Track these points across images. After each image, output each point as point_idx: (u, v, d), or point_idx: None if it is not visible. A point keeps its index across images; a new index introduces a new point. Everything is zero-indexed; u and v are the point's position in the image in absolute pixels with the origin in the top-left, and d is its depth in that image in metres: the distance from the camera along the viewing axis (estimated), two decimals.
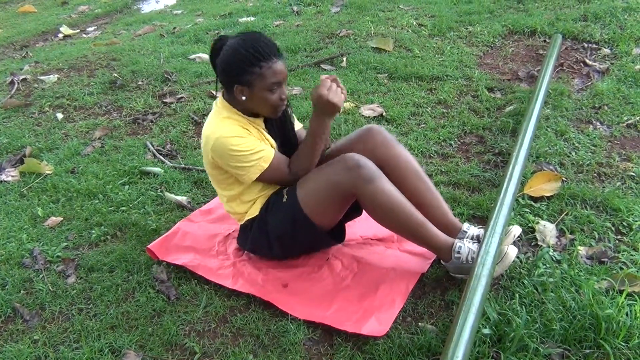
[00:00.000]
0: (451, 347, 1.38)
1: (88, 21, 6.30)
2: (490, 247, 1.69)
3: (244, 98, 1.77)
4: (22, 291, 1.99)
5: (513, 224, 1.96)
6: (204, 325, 1.77)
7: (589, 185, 2.25)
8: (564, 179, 2.29)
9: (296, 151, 1.87)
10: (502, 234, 1.77)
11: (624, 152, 2.47)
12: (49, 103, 3.62)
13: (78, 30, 5.85)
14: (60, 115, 3.44)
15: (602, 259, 1.87)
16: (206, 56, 4.13)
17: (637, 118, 2.71)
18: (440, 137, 2.73)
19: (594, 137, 2.59)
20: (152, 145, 2.93)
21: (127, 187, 2.59)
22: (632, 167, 2.34)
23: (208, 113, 2.16)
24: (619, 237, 1.98)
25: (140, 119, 3.29)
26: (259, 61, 1.70)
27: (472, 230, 1.88)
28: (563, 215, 2.09)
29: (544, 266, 1.82)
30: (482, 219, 2.12)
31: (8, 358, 1.70)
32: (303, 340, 1.68)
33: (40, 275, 2.06)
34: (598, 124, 2.72)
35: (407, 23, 4.32)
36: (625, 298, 1.62)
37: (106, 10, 6.64)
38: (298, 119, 3.05)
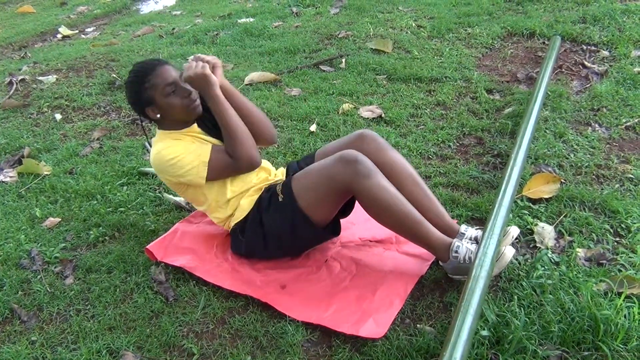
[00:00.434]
0: (449, 348, 1.38)
1: (87, 22, 6.30)
2: (488, 248, 1.69)
3: (158, 115, 1.89)
4: (19, 292, 1.99)
5: (511, 225, 1.96)
6: (202, 326, 1.77)
7: (588, 187, 2.25)
8: (562, 180, 2.30)
9: None
10: (501, 236, 1.77)
11: (622, 154, 2.47)
12: (47, 104, 3.62)
13: (77, 31, 5.85)
14: (58, 116, 3.44)
15: (601, 261, 1.87)
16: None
17: (636, 120, 2.71)
18: (439, 139, 2.73)
19: (593, 139, 2.59)
20: (151, 146, 2.92)
21: (125, 187, 2.58)
22: (631, 169, 2.35)
23: None
24: (617, 239, 1.98)
25: (138, 119, 3.29)
26: (144, 77, 1.83)
27: (470, 231, 1.88)
28: (562, 217, 2.10)
29: (543, 268, 1.82)
30: (481, 221, 2.12)
31: (6, 359, 1.69)
32: (301, 341, 1.67)
33: (38, 276, 2.05)
34: (597, 126, 2.72)
35: (406, 24, 4.33)
36: (623, 300, 1.62)
37: (105, 10, 6.64)
38: (298, 120, 3.07)
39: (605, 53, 3.49)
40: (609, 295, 1.69)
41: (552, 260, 1.88)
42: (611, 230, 2.02)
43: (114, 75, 3.94)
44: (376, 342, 1.63)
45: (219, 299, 1.86)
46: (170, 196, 2.44)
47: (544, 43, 3.75)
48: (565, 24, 3.87)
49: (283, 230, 1.87)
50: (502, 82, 3.30)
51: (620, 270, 1.83)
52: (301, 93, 3.40)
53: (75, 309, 1.88)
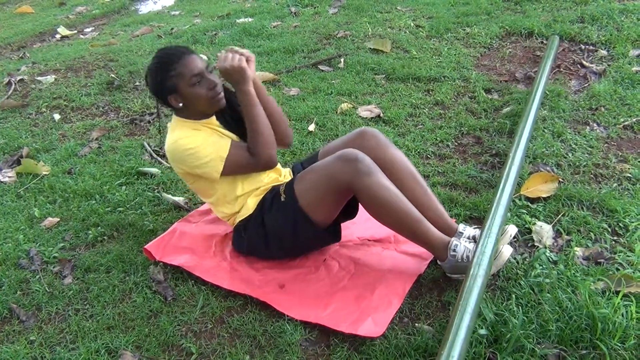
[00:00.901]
0: (447, 347, 1.38)
1: (86, 22, 6.30)
2: (486, 247, 1.69)
3: (180, 104, 1.85)
4: (18, 292, 1.99)
5: (509, 224, 1.96)
6: (200, 325, 1.77)
7: (586, 187, 2.26)
8: (560, 180, 2.30)
9: None
10: (499, 235, 1.77)
11: (620, 154, 2.48)
12: (46, 104, 3.62)
13: (75, 31, 5.85)
14: (57, 116, 3.44)
15: (599, 260, 1.88)
16: (205, 57, 4.12)
17: (634, 119, 2.71)
18: (438, 138, 2.73)
19: (591, 139, 2.59)
20: (150, 146, 2.93)
21: (124, 187, 2.58)
22: (629, 169, 2.35)
23: None
24: (615, 238, 1.99)
25: (137, 119, 3.29)
26: (171, 64, 1.79)
27: (468, 230, 1.89)
28: (560, 216, 2.10)
29: (541, 267, 1.83)
30: (479, 220, 2.12)
31: (4, 359, 1.69)
32: (300, 340, 1.67)
33: (37, 276, 2.05)
34: (595, 125, 2.73)
35: (404, 24, 4.33)
36: (621, 299, 1.62)
37: (104, 11, 6.63)
38: (297, 120, 3.07)
39: (604, 52, 3.49)
40: (607, 294, 1.69)
41: (550, 259, 1.88)
42: (609, 229, 2.02)
43: (113, 76, 3.94)
44: (374, 341, 1.63)
45: (218, 299, 1.86)
46: (169, 196, 2.44)
47: (542, 42, 3.76)
48: (564, 24, 3.88)
49: (284, 231, 1.87)
50: (501, 81, 3.31)
51: (618, 269, 1.83)
52: (300, 93, 3.40)
53: (73, 309, 1.88)
